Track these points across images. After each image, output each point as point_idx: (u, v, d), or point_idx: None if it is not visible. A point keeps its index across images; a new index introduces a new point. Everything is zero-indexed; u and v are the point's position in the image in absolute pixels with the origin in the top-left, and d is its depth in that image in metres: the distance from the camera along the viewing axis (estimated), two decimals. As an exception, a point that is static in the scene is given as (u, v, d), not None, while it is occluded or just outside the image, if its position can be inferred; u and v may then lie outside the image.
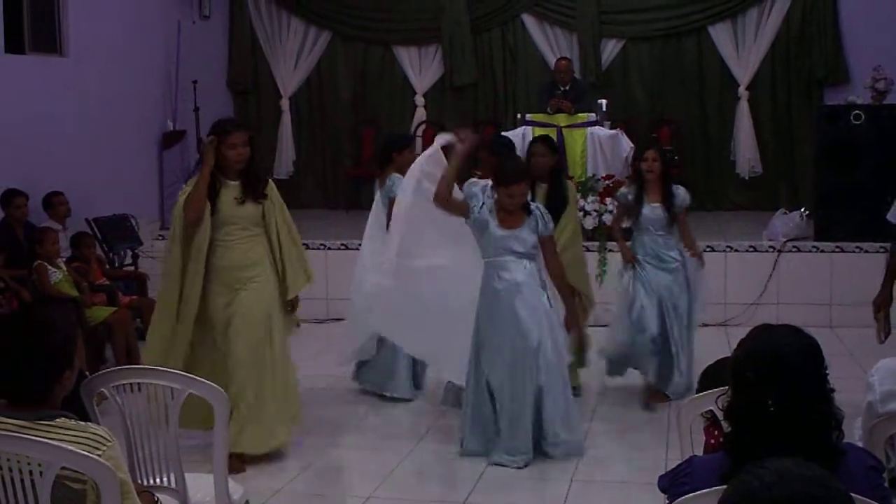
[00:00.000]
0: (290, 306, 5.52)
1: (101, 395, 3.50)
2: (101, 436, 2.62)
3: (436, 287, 5.65)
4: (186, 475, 3.59)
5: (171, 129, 10.32)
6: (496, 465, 5.29)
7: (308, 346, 7.62)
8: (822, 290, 8.31)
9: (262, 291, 5.30)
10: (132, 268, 8.61)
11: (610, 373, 6.52)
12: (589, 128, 9.32)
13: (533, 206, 5.43)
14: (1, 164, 7.69)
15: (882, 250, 7.02)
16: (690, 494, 2.33)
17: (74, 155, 8.59)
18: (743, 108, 10.98)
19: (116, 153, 9.27)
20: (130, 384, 3.54)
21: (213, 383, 3.63)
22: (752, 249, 8.58)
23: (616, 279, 6.71)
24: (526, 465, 5.29)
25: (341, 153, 11.88)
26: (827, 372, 2.37)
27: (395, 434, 5.93)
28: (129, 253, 8.71)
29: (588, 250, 6.78)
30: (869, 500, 2.21)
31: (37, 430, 2.60)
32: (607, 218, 8.38)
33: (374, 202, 6.50)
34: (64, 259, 7.30)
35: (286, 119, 11.87)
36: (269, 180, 5.46)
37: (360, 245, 6.65)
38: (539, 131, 8.61)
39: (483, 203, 5.39)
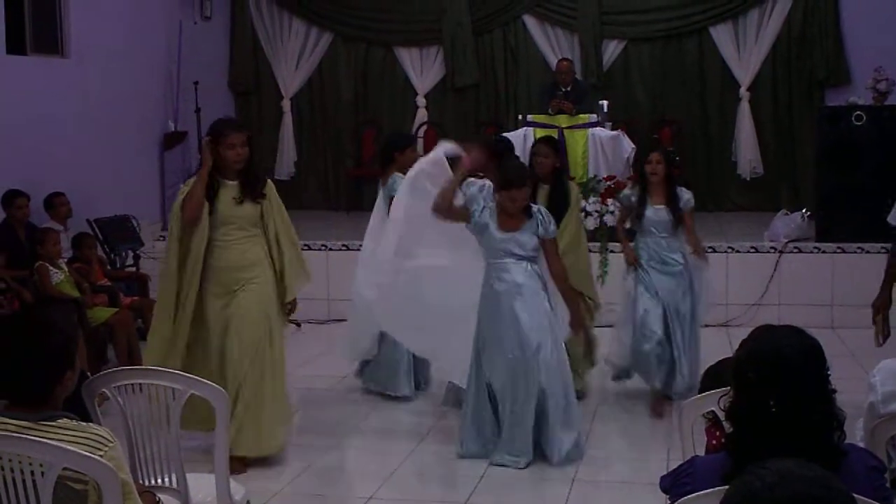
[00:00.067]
0: (288, 307, 5.50)
1: (103, 396, 3.50)
2: (103, 436, 2.62)
3: (436, 288, 5.64)
4: (188, 475, 3.59)
5: (173, 129, 10.33)
6: (497, 465, 5.29)
7: (309, 347, 7.65)
8: (823, 290, 8.31)
9: (260, 292, 5.28)
10: (133, 269, 8.61)
11: (614, 378, 6.49)
12: (590, 129, 9.31)
13: (534, 208, 5.40)
14: (2, 164, 7.70)
15: (883, 251, 7.01)
16: (692, 495, 2.33)
17: (76, 156, 8.60)
18: (744, 109, 10.97)
19: (118, 154, 9.28)
20: (132, 385, 3.54)
21: (213, 384, 3.63)
22: (753, 250, 8.58)
23: (618, 280, 6.70)
24: (527, 466, 5.28)
25: (342, 154, 11.87)
26: (828, 373, 2.38)
27: (395, 434, 5.94)
28: (131, 254, 8.71)
29: (589, 251, 6.76)
30: (871, 501, 2.22)
31: (38, 430, 2.60)
32: (608, 219, 8.38)
33: (377, 201, 6.50)
34: (65, 260, 7.30)
35: (287, 120, 11.87)
36: (268, 180, 5.44)
37: (360, 246, 6.65)
38: (540, 132, 8.61)
39: (483, 206, 5.38)
